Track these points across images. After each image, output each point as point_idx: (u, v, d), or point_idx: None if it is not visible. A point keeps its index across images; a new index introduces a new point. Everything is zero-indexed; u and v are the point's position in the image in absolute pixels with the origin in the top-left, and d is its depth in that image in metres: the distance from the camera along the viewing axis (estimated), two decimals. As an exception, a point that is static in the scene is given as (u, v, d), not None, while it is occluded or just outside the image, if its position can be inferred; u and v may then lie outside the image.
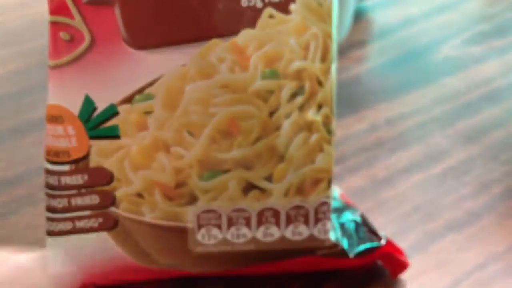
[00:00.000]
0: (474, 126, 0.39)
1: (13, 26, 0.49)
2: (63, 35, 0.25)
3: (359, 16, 0.51)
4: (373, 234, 0.29)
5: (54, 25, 0.25)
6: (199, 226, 0.27)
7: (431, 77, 0.44)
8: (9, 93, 0.43)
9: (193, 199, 0.26)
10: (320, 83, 0.27)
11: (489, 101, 0.41)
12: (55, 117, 0.25)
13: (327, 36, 0.27)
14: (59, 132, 0.25)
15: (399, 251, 0.29)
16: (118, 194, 0.26)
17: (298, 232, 0.27)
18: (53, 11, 0.25)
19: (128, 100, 0.26)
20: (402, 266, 0.29)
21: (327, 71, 0.27)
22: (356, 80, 0.44)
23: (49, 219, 0.27)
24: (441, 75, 0.44)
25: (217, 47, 0.26)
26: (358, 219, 0.30)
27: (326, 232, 0.27)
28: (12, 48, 0.47)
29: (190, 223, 0.27)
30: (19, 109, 0.41)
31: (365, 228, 0.29)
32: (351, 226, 0.29)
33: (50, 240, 0.27)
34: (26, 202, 0.35)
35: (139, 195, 0.26)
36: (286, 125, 0.27)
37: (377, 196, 0.35)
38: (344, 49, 0.48)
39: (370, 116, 0.41)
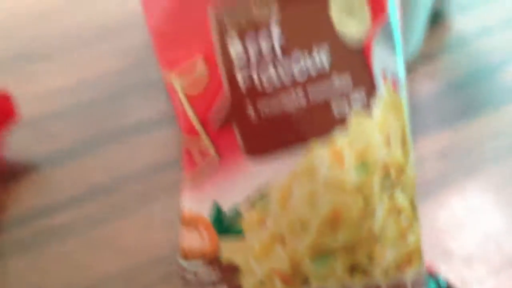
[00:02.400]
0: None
1: (113, 17, 0.51)
2: (195, 154, 0.29)
3: (437, 20, 0.52)
4: None
5: (188, 146, 0.29)
6: None
7: (496, 102, 0.45)
8: (106, 95, 0.45)
9: (306, 282, 0.31)
10: (402, 169, 0.32)
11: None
12: (190, 222, 0.30)
13: (403, 126, 0.32)
14: (194, 235, 0.30)
15: None
16: (245, 284, 0.31)
17: None
18: (186, 133, 0.29)
19: (248, 202, 0.30)
20: None
21: (407, 157, 0.32)
22: (418, 102, 0.46)
23: None
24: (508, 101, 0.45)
25: (318, 151, 0.30)
26: (443, 284, 0.34)
27: None
28: (110, 45, 0.48)
29: None
30: (113, 113, 0.44)
31: None
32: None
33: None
34: (117, 210, 0.38)
35: (262, 282, 0.31)
36: (380, 210, 0.31)
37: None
38: (415, 63, 0.49)
39: (421, 147, 0.44)
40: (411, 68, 0.49)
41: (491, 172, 0.42)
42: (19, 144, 0.43)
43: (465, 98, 0.47)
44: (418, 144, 0.43)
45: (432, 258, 0.38)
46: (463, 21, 0.53)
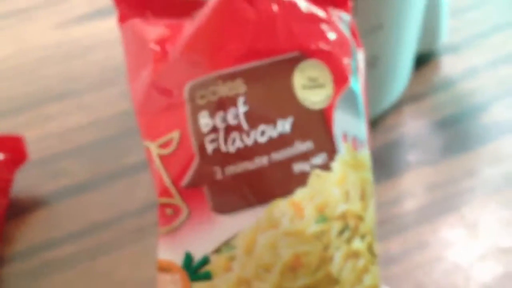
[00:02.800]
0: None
1: (119, 62, 0.55)
2: (168, 211, 0.34)
3: (425, 61, 0.55)
4: None
5: (162, 204, 0.34)
6: None
7: (483, 140, 0.48)
8: (112, 135, 0.49)
9: None
10: (360, 218, 0.36)
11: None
12: (165, 268, 0.35)
13: (363, 180, 0.35)
14: (168, 279, 0.35)
15: None
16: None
17: None
18: (160, 195, 0.34)
19: (217, 251, 0.35)
20: None
21: (366, 208, 0.36)
22: (402, 140, 0.49)
23: None
24: (493, 139, 0.48)
25: (279, 205, 0.34)
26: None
27: None
28: (120, 87, 0.52)
29: None
30: (118, 152, 0.48)
31: None
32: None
33: None
34: (115, 245, 0.42)
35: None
36: (338, 256, 0.35)
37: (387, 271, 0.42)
38: (401, 102, 0.52)
39: (402, 184, 0.47)
40: (397, 108, 0.52)
41: (464, 210, 0.45)
42: (28, 181, 0.47)
43: (448, 137, 0.50)
44: (399, 180, 0.47)
45: (404, 291, 0.41)
46: (450, 62, 0.56)
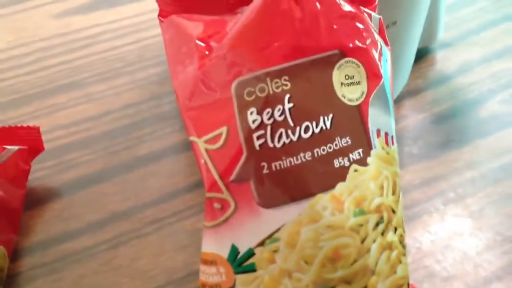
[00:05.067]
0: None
1: (128, 51, 0.54)
2: (216, 205, 0.35)
3: (422, 57, 0.56)
4: None
5: (210, 198, 0.35)
6: None
7: (474, 135, 0.49)
8: (123, 126, 0.48)
9: None
10: (393, 211, 0.38)
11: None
12: (209, 261, 0.36)
13: (394, 175, 0.37)
14: (212, 271, 0.36)
15: None
16: (257, 312, 0.36)
17: None
18: (209, 189, 0.34)
19: (261, 244, 0.35)
20: None
21: (397, 201, 0.37)
22: (403, 134, 0.50)
23: None
24: (491, 132, 0.49)
25: (321, 200, 0.36)
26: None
27: None
28: (126, 78, 0.51)
29: None
30: (129, 143, 0.47)
31: None
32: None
33: None
34: (134, 235, 0.42)
35: (271, 310, 0.36)
36: (374, 247, 0.36)
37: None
38: (400, 98, 0.52)
39: (406, 175, 0.47)
40: (397, 102, 0.53)
41: (468, 201, 0.47)
42: (43, 172, 0.47)
43: (448, 131, 0.51)
44: (403, 171, 0.48)
45: (416, 278, 0.43)
46: (445, 58, 0.57)
